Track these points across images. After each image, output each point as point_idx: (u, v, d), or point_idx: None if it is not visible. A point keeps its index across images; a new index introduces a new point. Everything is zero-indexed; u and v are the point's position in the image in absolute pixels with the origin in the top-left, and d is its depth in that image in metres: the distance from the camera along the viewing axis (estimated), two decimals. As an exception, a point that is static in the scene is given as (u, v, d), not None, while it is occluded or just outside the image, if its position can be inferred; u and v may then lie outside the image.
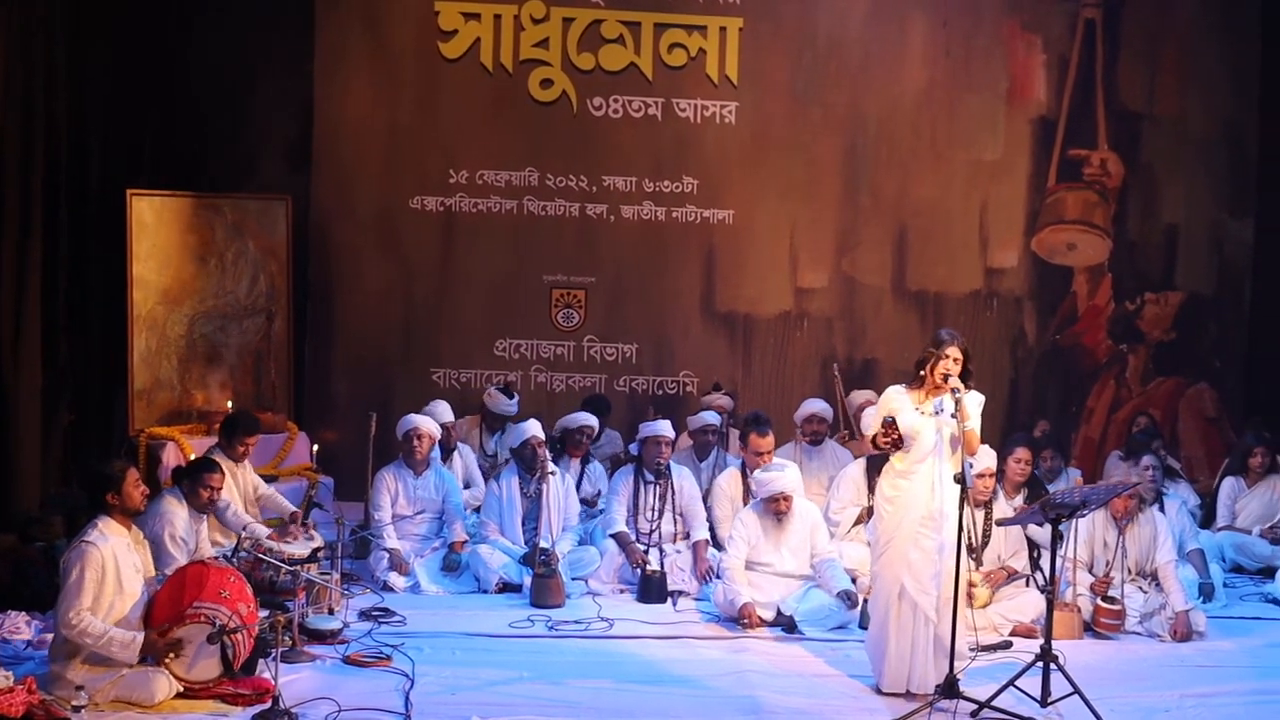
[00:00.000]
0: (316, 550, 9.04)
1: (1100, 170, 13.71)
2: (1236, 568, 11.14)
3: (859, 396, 12.04)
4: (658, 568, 9.80)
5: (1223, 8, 13.67)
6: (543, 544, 9.67)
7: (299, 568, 8.38)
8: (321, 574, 8.84)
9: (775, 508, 9.23)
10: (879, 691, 7.76)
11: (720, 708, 7.49)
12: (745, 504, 9.90)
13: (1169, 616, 9.07)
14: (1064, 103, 13.64)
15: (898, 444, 7.62)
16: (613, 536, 10.15)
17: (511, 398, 11.98)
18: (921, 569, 7.59)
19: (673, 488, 10.27)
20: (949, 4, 13.50)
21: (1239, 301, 13.84)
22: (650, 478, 10.27)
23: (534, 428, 10.33)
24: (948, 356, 7.50)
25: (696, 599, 9.73)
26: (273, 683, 7.00)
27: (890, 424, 7.61)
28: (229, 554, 8.74)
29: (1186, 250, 13.79)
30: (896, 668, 7.69)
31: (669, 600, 9.66)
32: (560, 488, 10.23)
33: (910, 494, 7.62)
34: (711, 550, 10.05)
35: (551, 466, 10.06)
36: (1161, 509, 9.93)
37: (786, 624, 8.98)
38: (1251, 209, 13.74)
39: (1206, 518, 11.62)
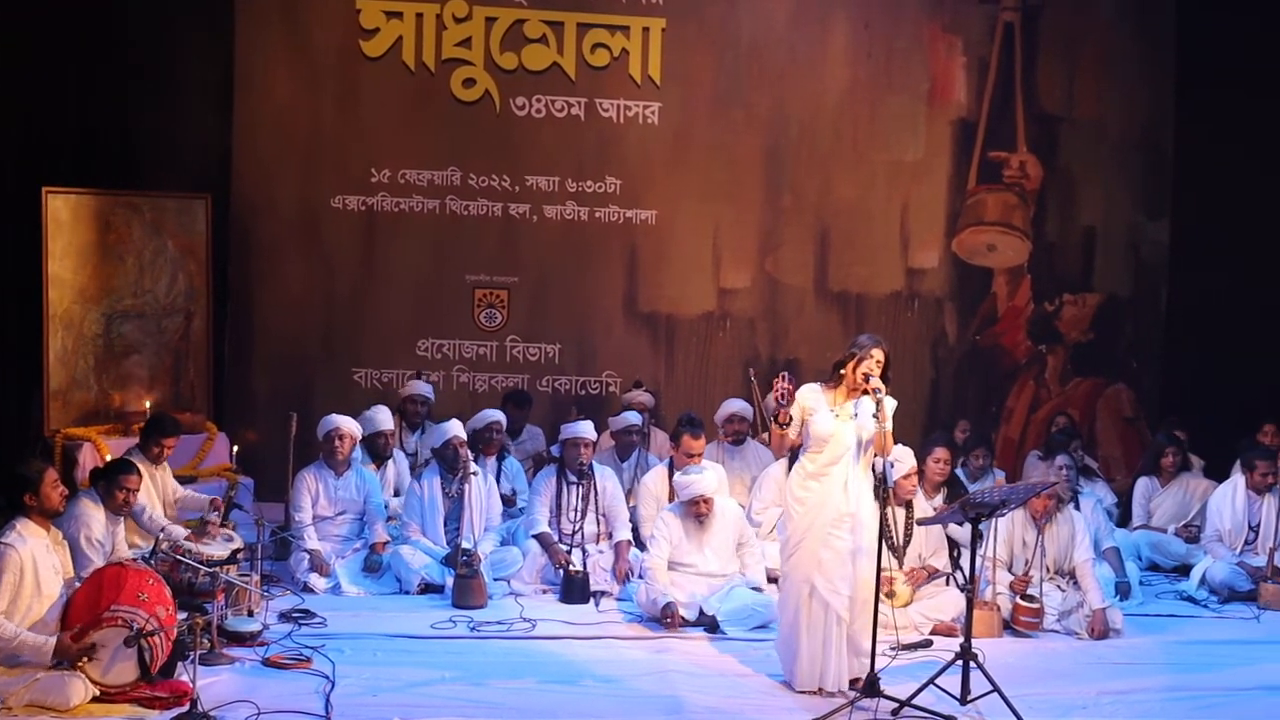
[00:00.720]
0: (236, 551, 8.96)
1: (1019, 172, 13.84)
2: (1152, 566, 11.28)
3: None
4: (580, 568, 9.79)
5: (1139, 13, 13.83)
6: (465, 544, 9.63)
7: (218, 569, 8.31)
8: (241, 575, 8.76)
9: (696, 510, 9.26)
10: (789, 688, 7.80)
11: (642, 707, 7.50)
12: (671, 503, 9.90)
13: (1086, 614, 9.17)
14: (984, 105, 13.76)
15: (784, 422, 7.63)
16: (535, 537, 10.14)
17: (429, 383, 12.04)
18: (832, 569, 7.64)
19: (595, 488, 10.27)
20: (870, 6, 13.58)
21: (1155, 303, 14.00)
22: (573, 478, 10.26)
23: (455, 428, 10.29)
24: (871, 357, 7.54)
25: (619, 599, 9.73)
26: (191, 685, 6.93)
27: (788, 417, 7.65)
28: (147, 556, 8.64)
29: (1104, 252, 13.95)
30: (809, 667, 7.73)
31: (591, 600, 9.65)
32: (482, 488, 10.20)
33: (821, 495, 7.66)
34: (634, 551, 10.06)
35: (474, 467, 10.04)
36: (1077, 508, 10.04)
37: (709, 624, 9.00)
38: (1167, 211, 13.91)
39: (1123, 517, 11.76)
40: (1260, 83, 13.22)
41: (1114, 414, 14.05)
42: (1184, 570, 10.98)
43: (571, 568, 9.78)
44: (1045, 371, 13.98)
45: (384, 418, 11.01)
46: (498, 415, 11.15)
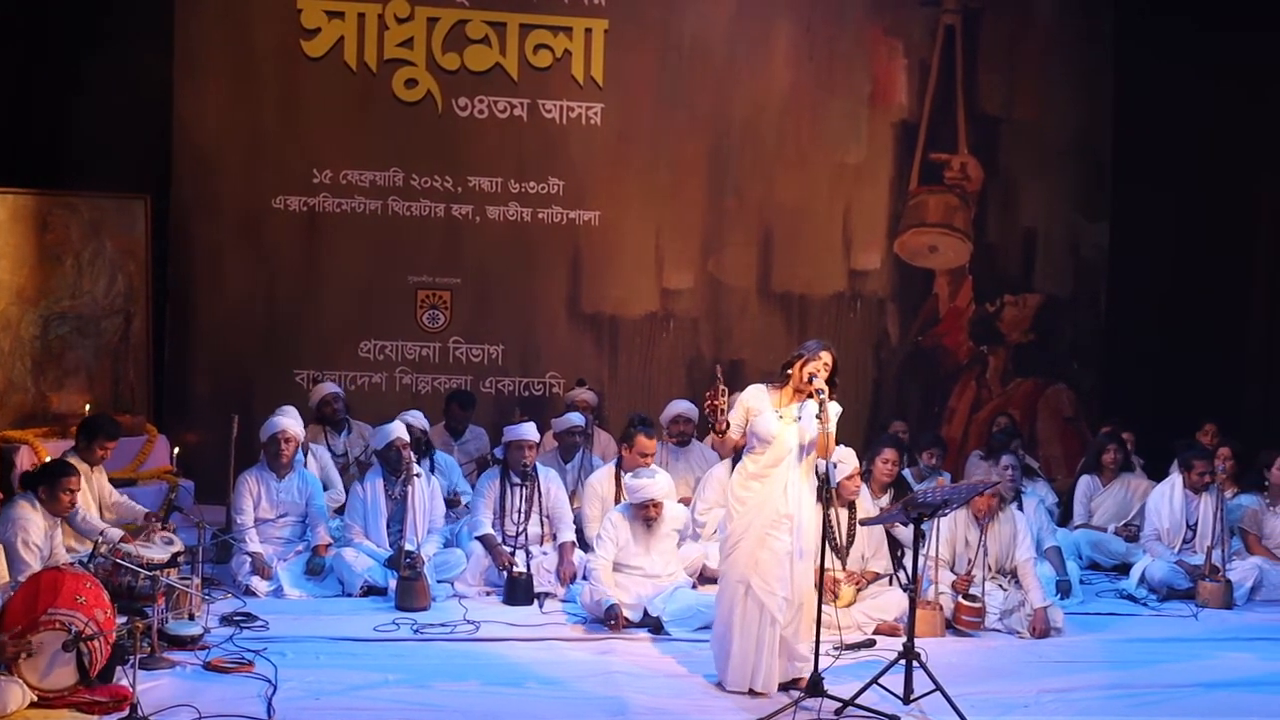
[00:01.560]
0: (176, 555, 8.87)
1: (960, 174, 13.93)
2: (1093, 565, 11.36)
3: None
4: (524, 570, 9.76)
5: (1077, 17, 13.96)
6: (408, 546, 9.57)
7: (158, 573, 8.23)
8: (181, 579, 8.67)
9: (645, 514, 9.25)
10: (721, 688, 7.81)
11: (586, 709, 7.47)
12: (618, 504, 9.88)
13: (1028, 613, 9.21)
14: (925, 107, 13.86)
15: (720, 428, 7.61)
16: (479, 539, 10.09)
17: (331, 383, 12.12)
18: (769, 569, 7.63)
19: (539, 490, 10.23)
20: (812, 8, 13.64)
21: (1095, 303, 14.13)
22: (516, 480, 10.22)
23: (398, 429, 10.23)
24: (819, 359, 7.54)
25: (563, 600, 9.71)
26: (131, 690, 6.86)
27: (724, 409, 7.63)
28: (85, 559, 8.56)
29: (1044, 253, 14.08)
30: (740, 666, 7.72)
31: (535, 602, 9.62)
32: (425, 489, 10.12)
33: (762, 495, 7.65)
34: (578, 552, 10.05)
35: (416, 469, 9.98)
36: (1020, 507, 10.10)
37: (653, 625, 8.99)
38: (1106, 213, 14.05)
39: (1064, 516, 11.84)
40: (1197, 86, 13.36)
41: (1054, 414, 14.16)
42: (1124, 569, 11.06)
43: (515, 569, 9.75)
44: (986, 372, 14.08)
45: (297, 419, 10.88)
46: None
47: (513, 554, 9.93)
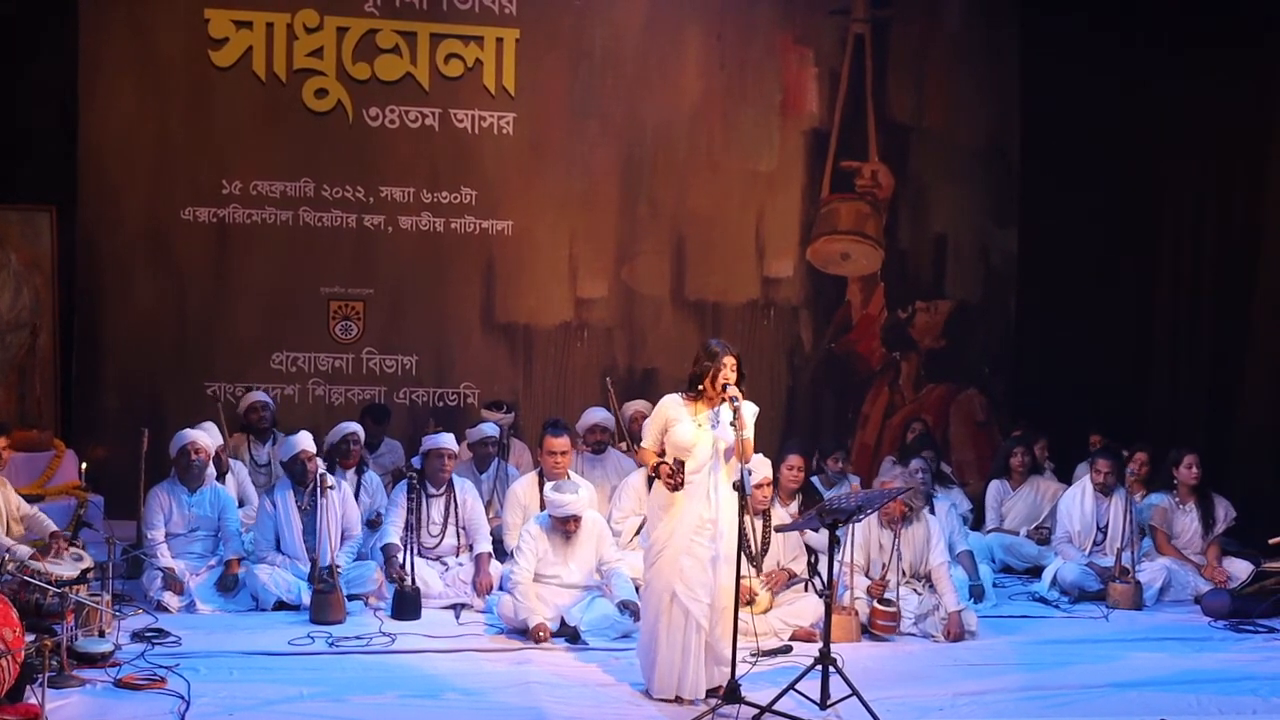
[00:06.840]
0: (86, 571, 8.74)
1: (871, 181, 14.03)
2: (1005, 568, 11.48)
3: (631, 407, 12.09)
4: (412, 581, 9.62)
5: (985, 26, 14.12)
6: (323, 563, 9.47)
7: (67, 589, 8.12)
8: (91, 595, 8.56)
9: (565, 527, 9.22)
10: (649, 696, 7.82)
11: (505, 719, 7.46)
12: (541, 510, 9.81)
13: (942, 617, 9.29)
14: (836, 115, 13.95)
15: (678, 485, 7.64)
16: (382, 548, 9.97)
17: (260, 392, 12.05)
18: (693, 576, 7.65)
19: (455, 501, 10.18)
20: (723, 17, 13.70)
21: (1005, 309, 14.28)
22: (433, 491, 10.16)
23: (304, 440, 10.09)
24: (726, 365, 7.57)
25: (481, 611, 9.67)
26: (40, 709, 6.78)
27: (680, 467, 7.65)
28: (-8, 577, 8.43)
29: (955, 259, 14.20)
30: (666, 673, 7.73)
31: (453, 612, 9.57)
32: (338, 500, 10.01)
33: (684, 503, 7.67)
34: (495, 563, 10.00)
35: (330, 480, 9.87)
36: (932, 512, 10.17)
37: (570, 634, 8.98)
38: (1015, 219, 14.21)
39: (976, 521, 11.95)
40: (1102, 92, 13.53)
41: (966, 419, 14.29)
42: (1036, 572, 11.21)
43: (404, 582, 9.60)
44: (899, 378, 14.18)
45: (215, 434, 10.78)
46: (354, 427, 11.00)
47: (411, 566, 9.77)
